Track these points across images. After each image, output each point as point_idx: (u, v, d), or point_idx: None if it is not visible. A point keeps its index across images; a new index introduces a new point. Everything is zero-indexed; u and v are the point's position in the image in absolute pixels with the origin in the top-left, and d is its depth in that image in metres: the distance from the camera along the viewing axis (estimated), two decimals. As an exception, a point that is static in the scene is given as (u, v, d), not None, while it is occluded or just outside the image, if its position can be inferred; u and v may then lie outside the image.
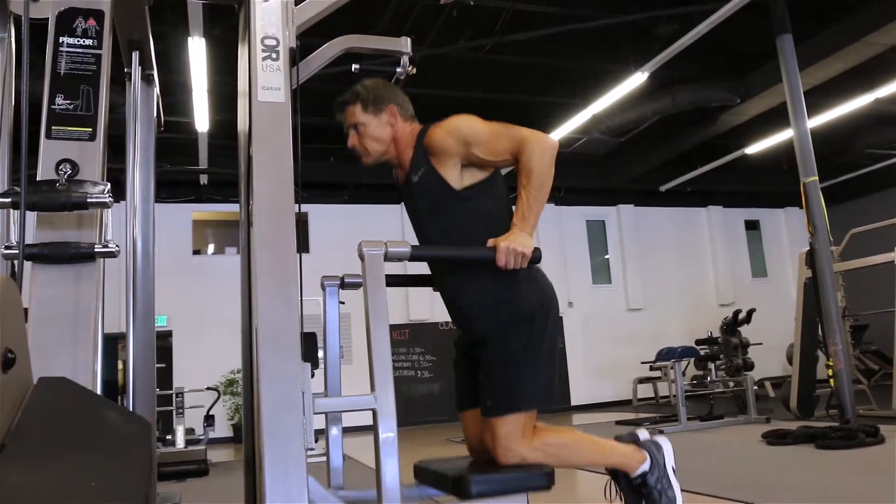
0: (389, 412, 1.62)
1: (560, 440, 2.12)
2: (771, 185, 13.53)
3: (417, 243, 2.10)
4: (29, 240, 1.56)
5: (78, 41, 1.76)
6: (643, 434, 2.29)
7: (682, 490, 2.21)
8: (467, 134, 2.03)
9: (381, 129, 2.15)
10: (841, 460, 4.88)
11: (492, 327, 2.04)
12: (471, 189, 2.07)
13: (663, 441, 2.26)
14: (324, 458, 2.14)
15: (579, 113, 9.31)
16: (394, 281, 2.03)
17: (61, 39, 1.75)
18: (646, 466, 2.17)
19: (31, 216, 1.57)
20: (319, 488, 1.74)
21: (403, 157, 2.17)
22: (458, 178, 2.06)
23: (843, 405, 6.10)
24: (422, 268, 2.23)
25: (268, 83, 1.74)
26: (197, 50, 6.58)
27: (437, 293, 2.44)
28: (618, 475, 2.23)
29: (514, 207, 2.05)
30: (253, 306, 1.62)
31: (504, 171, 2.20)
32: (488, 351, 2.05)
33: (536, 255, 1.94)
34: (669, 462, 2.21)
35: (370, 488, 1.68)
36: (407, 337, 11.94)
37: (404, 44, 2.33)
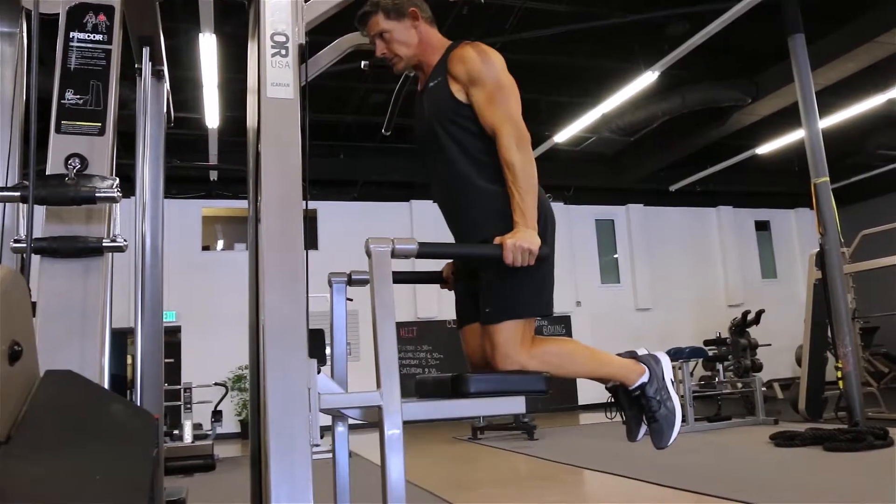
0: (395, 409, 1.62)
1: (559, 349, 2.13)
2: (781, 185, 13.46)
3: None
4: (37, 234, 1.56)
5: (88, 36, 1.76)
6: (641, 350, 2.30)
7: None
8: (477, 74, 2.06)
9: (406, 33, 2.21)
10: (849, 463, 4.86)
11: (489, 234, 2.03)
12: (471, 107, 2.10)
13: (661, 355, 2.27)
14: (329, 455, 2.13)
15: (589, 112, 9.28)
16: (401, 278, 2.03)
17: (71, 34, 1.75)
18: (644, 378, 2.18)
19: (40, 210, 1.58)
20: (325, 379, 1.76)
21: (429, 61, 2.22)
22: (463, 95, 2.10)
23: (851, 407, 6.07)
24: (429, 265, 2.22)
25: (277, 79, 1.74)
26: (208, 46, 6.59)
27: (445, 290, 2.44)
28: (617, 391, 2.23)
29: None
30: (260, 302, 1.62)
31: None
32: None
33: (543, 252, 1.94)
34: (668, 374, 2.22)
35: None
36: (414, 334, 11.95)
37: (413, 41, 2.32)
